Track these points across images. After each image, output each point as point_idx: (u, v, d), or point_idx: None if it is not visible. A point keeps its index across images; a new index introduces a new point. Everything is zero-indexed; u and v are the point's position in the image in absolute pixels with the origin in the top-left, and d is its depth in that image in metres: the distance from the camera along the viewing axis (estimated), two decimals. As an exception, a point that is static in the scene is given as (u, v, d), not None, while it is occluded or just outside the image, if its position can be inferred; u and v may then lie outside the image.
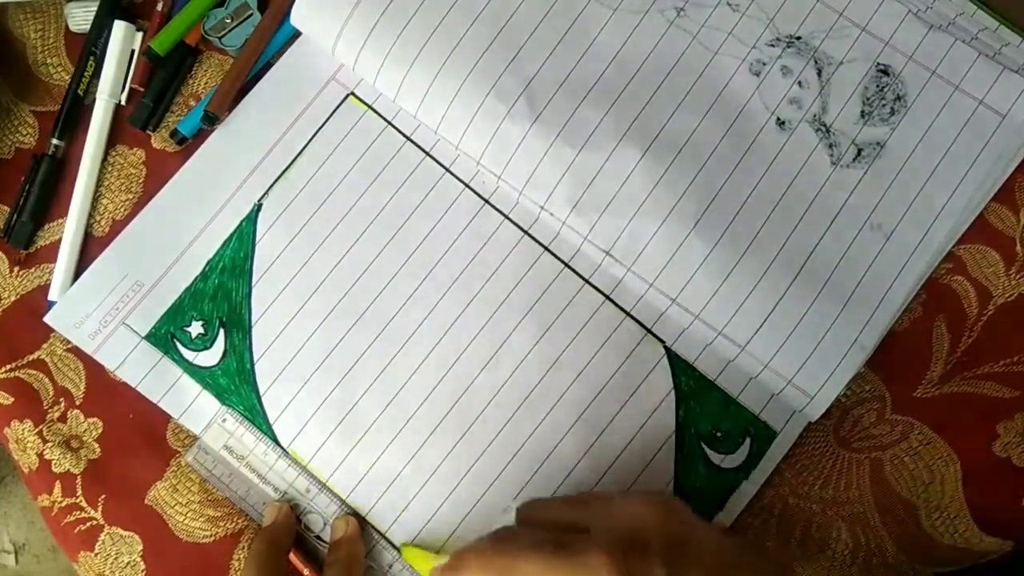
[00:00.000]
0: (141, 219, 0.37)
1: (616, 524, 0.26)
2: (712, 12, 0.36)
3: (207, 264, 0.36)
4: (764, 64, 0.35)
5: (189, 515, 0.36)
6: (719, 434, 0.36)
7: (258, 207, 0.37)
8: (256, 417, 0.36)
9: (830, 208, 0.35)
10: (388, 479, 0.36)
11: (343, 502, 0.36)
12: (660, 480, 0.35)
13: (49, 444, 0.37)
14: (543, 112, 0.35)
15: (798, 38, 0.35)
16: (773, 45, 0.36)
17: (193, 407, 0.36)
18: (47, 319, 0.36)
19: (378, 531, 0.36)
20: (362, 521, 0.36)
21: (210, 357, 0.36)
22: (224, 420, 0.36)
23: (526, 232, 0.37)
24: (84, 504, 0.36)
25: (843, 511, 0.36)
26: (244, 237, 0.37)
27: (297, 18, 0.36)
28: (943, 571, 0.35)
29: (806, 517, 0.36)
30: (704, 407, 0.36)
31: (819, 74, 0.35)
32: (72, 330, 0.36)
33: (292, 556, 0.35)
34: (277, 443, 0.36)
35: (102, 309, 0.36)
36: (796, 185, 0.35)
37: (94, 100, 0.37)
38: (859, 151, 0.35)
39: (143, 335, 0.36)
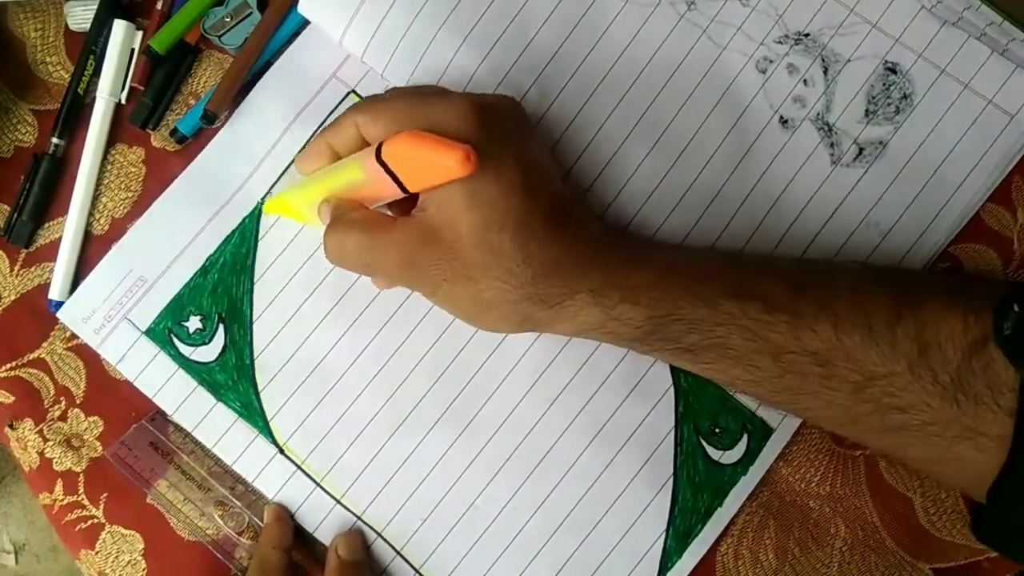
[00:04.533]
0: (147, 217, 0.37)
1: (475, 95, 0.30)
2: (722, 6, 0.36)
3: (207, 260, 0.37)
4: (771, 62, 0.36)
5: (190, 514, 0.36)
6: (717, 430, 0.36)
7: (261, 205, 0.37)
8: (252, 414, 0.36)
9: (826, 207, 0.35)
10: (385, 477, 0.36)
11: (338, 501, 0.36)
12: (660, 475, 0.35)
13: (50, 443, 0.37)
14: (553, 104, 0.35)
15: (806, 35, 0.35)
16: (781, 42, 0.36)
17: (187, 403, 0.36)
18: (59, 314, 0.36)
19: (375, 530, 0.36)
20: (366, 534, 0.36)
21: (208, 352, 0.36)
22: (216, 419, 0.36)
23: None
24: (86, 502, 0.37)
25: (840, 507, 0.36)
26: (246, 234, 0.37)
27: (305, 7, 0.36)
28: (941, 567, 0.36)
29: (803, 513, 0.36)
30: (702, 403, 0.36)
31: (825, 72, 0.35)
32: (80, 325, 0.36)
33: (295, 555, 0.35)
34: (273, 441, 0.36)
35: (108, 304, 0.36)
36: (794, 184, 0.35)
37: (94, 99, 0.37)
38: (860, 150, 0.35)
39: (143, 330, 0.36)
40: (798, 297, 0.30)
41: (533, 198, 0.29)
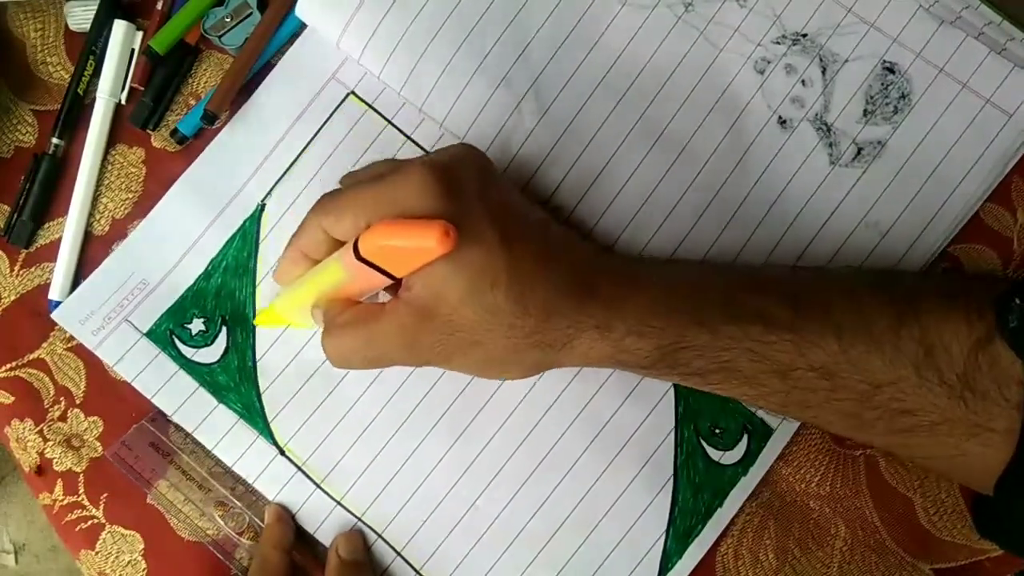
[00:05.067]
0: (148, 220, 0.37)
1: (429, 157, 0.29)
2: (720, 7, 0.36)
3: (210, 263, 0.37)
4: (768, 62, 0.36)
5: (191, 514, 0.36)
6: (717, 430, 0.36)
7: (261, 207, 0.37)
8: (253, 416, 0.36)
9: (825, 207, 0.35)
10: (386, 478, 0.36)
11: (338, 502, 0.36)
12: (660, 476, 0.35)
13: (50, 443, 0.37)
14: (551, 107, 0.35)
15: (804, 35, 0.36)
16: (779, 43, 0.36)
17: (187, 404, 0.36)
18: (54, 316, 0.36)
19: (375, 531, 0.36)
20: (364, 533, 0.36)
21: (210, 354, 0.36)
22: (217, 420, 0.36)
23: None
24: (86, 502, 0.37)
25: (840, 507, 0.36)
26: (248, 236, 0.37)
27: (303, 9, 0.36)
28: (941, 567, 0.36)
29: (804, 514, 0.36)
30: (702, 404, 0.36)
31: (823, 72, 0.36)
32: (77, 326, 0.36)
33: (295, 555, 0.35)
34: (274, 442, 0.36)
35: (107, 306, 0.36)
36: (793, 184, 0.35)
37: (94, 99, 0.37)
38: (859, 150, 0.35)
39: (144, 332, 0.36)
40: (798, 312, 0.30)
41: (516, 247, 0.28)
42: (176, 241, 0.37)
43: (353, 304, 0.30)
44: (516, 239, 0.28)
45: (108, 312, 0.36)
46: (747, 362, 0.30)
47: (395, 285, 0.29)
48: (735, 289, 0.31)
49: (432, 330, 0.28)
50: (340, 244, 0.29)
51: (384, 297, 0.33)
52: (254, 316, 0.36)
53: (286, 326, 0.36)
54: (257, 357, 0.36)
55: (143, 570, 0.36)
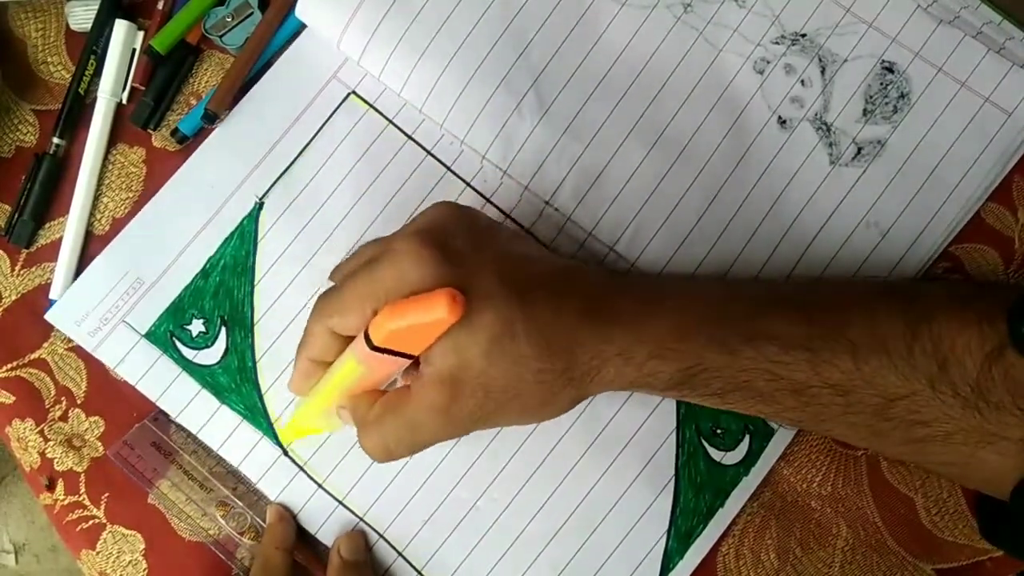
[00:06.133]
0: (142, 217, 0.37)
1: (412, 227, 0.29)
2: (719, 8, 0.36)
3: (207, 262, 0.36)
4: (768, 62, 0.36)
5: (192, 514, 0.36)
6: (719, 431, 0.36)
7: (259, 205, 0.37)
8: (256, 416, 0.36)
9: (826, 207, 0.35)
10: (387, 479, 0.36)
11: (340, 502, 0.36)
12: (661, 476, 0.35)
13: (51, 443, 0.37)
14: (551, 108, 0.35)
15: (803, 35, 0.36)
16: (778, 43, 0.36)
17: (191, 406, 0.36)
18: (48, 316, 0.36)
19: (377, 531, 0.36)
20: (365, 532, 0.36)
21: (211, 355, 0.36)
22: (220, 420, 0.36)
23: (527, 231, 0.37)
24: (87, 502, 0.37)
25: (842, 507, 0.36)
26: (245, 235, 0.37)
27: (302, 10, 0.36)
28: (943, 567, 0.36)
29: (805, 514, 0.36)
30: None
31: (822, 72, 0.36)
32: (73, 328, 0.36)
33: (297, 555, 0.35)
34: (277, 442, 0.36)
35: (102, 307, 0.36)
36: (793, 184, 0.35)
37: (95, 99, 0.37)
38: (859, 150, 0.35)
39: (143, 333, 0.36)
40: (811, 329, 0.30)
41: (526, 293, 0.28)
42: (171, 238, 0.37)
43: (378, 395, 0.30)
44: (523, 285, 0.28)
45: (104, 313, 0.36)
46: (764, 382, 0.30)
47: (415, 364, 0.29)
48: (750, 308, 0.31)
49: (465, 398, 0.28)
50: (349, 341, 0.29)
51: (401, 379, 0.33)
52: (253, 317, 0.36)
53: (316, 434, 0.35)
54: (257, 358, 0.36)
55: (144, 570, 0.36)
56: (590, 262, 0.36)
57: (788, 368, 0.30)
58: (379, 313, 0.26)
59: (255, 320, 0.36)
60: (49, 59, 0.38)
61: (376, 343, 0.26)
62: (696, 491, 0.35)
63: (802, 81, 0.36)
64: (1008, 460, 0.29)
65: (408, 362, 0.28)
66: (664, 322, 0.30)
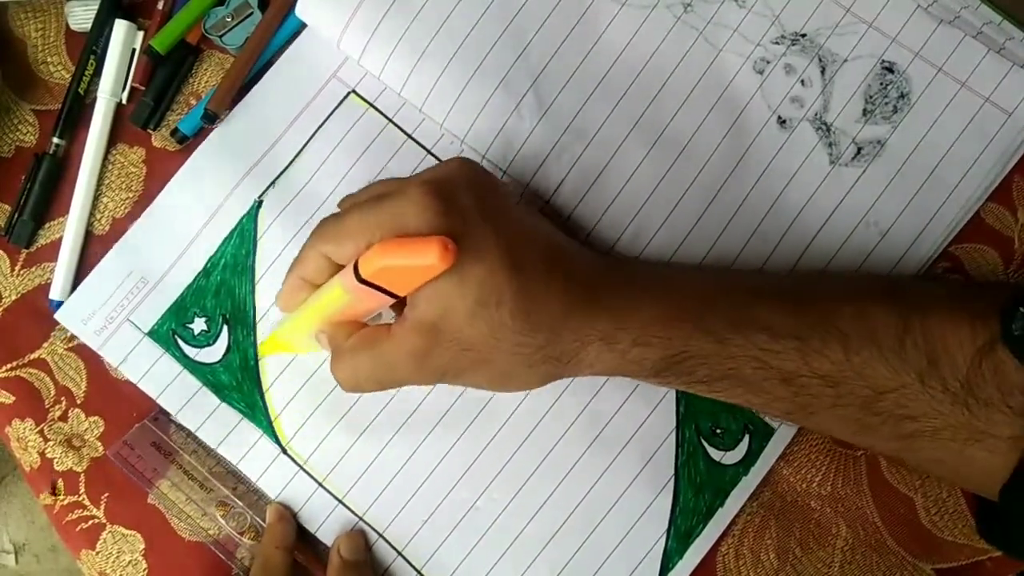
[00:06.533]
0: (146, 217, 0.37)
1: (425, 175, 0.29)
2: (718, 8, 0.36)
3: (208, 261, 0.37)
4: (768, 62, 0.36)
5: (192, 514, 0.36)
6: (719, 431, 0.36)
7: (258, 204, 0.37)
8: (257, 414, 0.36)
9: (825, 207, 0.35)
10: (387, 478, 0.36)
11: (340, 501, 0.36)
12: (661, 476, 0.35)
13: (51, 443, 0.37)
14: (550, 107, 0.35)
15: (803, 35, 0.36)
16: (778, 43, 0.36)
17: (190, 404, 0.36)
18: (57, 316, 0.36)
19: (376, 531, 0.36)
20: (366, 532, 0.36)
21: (212, 353, 0.36)
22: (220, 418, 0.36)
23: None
24: (87, 502, 0.37)
25: (842, 507, 0.36)
26: (245, 234, 0.37)
27: (302, 10, 0.36)
28: (943, 567, 0.36)
29: (805, 514, 0.36)
30: (703, 404, 0.36)
31: (822, 72, 0.36)
32: (80, 327, 0.36)
33: (297, 554, 0.35)
34: (277, 441, 0.36)
35: (108, 306, 0.36)
36: (793, 184, 0.35)
37: (95, 99, 0.37)
38: (859, 150, 0.35)
39: (146, 332, 0.36)
40: (803, 320, 0.30)
41: (520, 262, 0.28)
42: (174, 238, 0.37)
43: (359, 327, 0.30)
44: (519, 254, 0.28)
45: (109, 312, 0.36)
46: (752, 370, 0.30)
47: (400, 304, 0.29)
48: (741, 297, 0.31)
49: (441, 348, 0.28)
50: (341, 268, 0.29)
51: (388, 316, 0.33)
52: (255, 315, 0.36)
53: (293, 353, 0.36)
54: (259, 355, 0.36)
55: (144, 570, 0.36)
56: (594, 247, 0.35)
57: (777, 357, 0.29)
58: (372, 248, 0.26)
59: (257, 318, 0.36)
60: (49, 59, 0.38)
61: (364, 276, 0.26)
62: (696, 491, 0.35)
63: (802, 81, 0.36)
64: (997, 458, 0.29)
65: (391, 302, 0.28)
66: (652, 310, 0.30)
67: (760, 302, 0.31)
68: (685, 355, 0.30)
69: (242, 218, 0.37)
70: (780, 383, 0.30)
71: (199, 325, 0.36)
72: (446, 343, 0.28)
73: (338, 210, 0.32)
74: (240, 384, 0.36)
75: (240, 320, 0.36)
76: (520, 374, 0.30)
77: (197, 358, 0.36)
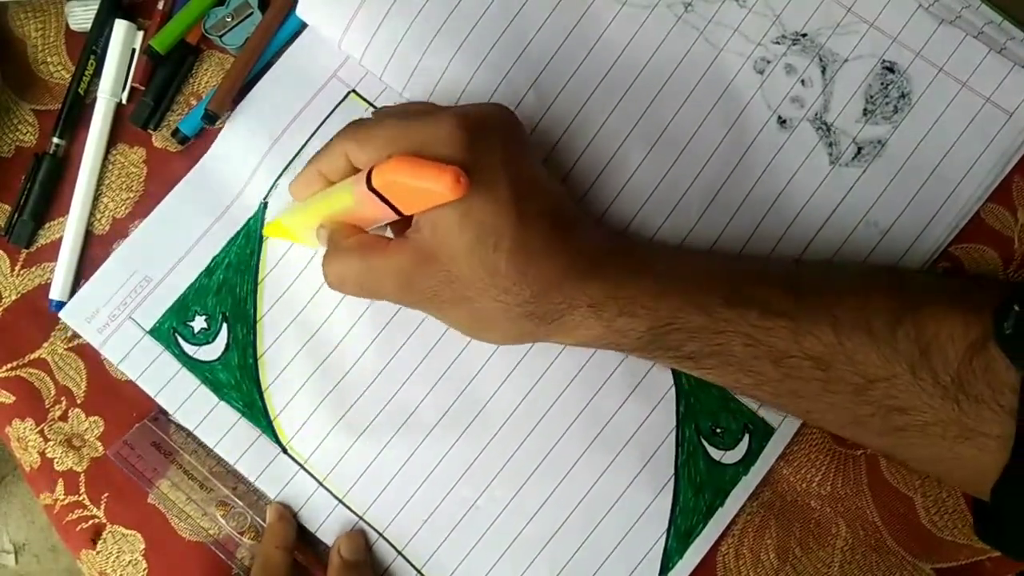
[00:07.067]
0: (152, 218, 0.37)
1: (461, 108, 0.29)
2: (719, 8, 0.36)
3: (212, 260, 0.37)
4: (768, 62, 0.36)
5: (192, 513, 0.36)
6: (718, 430, 0.36)
7: (263, 206, 0.37)
8: (255, 414, 0.36)
9: (825, 207, 0.35)
10: (387, 477, 0.36)
11: (340, 501, 0.36)
12: (661, 475, 0.35)
13: (51, 443, 0.37)
14: (551, 106, 0.35)
15: (804, 35, 0.36)
16: (778, 42, 0.36)
17: (189, 402, 0.36)
18: (61, 314, 0.36)
19: (377, 531, 0.36)
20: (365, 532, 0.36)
21: (211, 351, 0.36)
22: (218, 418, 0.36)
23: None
24: (87, 502, 0.37)
25: (841, 507, 0.36)
26: (251, 235, 0.37)
27: (304, 10, 0.36)
28: (942, 567, 0.36)
29: (804, 513, 0.36)
30: (703, 404, 0.36)
31: (823, 72, 0.36)
32: (83, 324, 0.36)
33: (297, 554, 0.35)
34: (276, 440, 0.36)
35: (112, 304, 0.36)
36: (793, 184, 0.35)
37: (95, 99, 0.37)
38: (859, 150, 0.35)
39: (147, 330, 0.36)
40: (798, 301, 0.30)
41: (528, 214, 0.28)
42: (179, 239, 0.37)
43: (357, 231, 0.31)
44: (528, 207, 0.29)
45: (112, 310, 0.36)
46: (741, 347, 0.30)
47: (402, 224, 0.30)
48: (738, 277, 0.31)
49: (429, 275, 0.29)
50: (357, 172, 0.29)
51: (389, 233, 0.33)
52: (256, 313, 0.36)
53: (291, 241, 0.36)
54: (259, 354, 0.36)
55: (144, 570, 0.36)
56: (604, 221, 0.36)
57: (768, 333, 0.29)
58: (389, 159, 0.27)
59: (258, 317, 0.36)
60: (49, 59, 0.38)
61: (374, 185, 0.27)
62: (695, 490, 0.35)
63: (802, 81, 0.36)
64: (986, 457, 0.29)
65: (394, 217, 0.29)
66: (643, 282, 0.30)
67: (759, 284, 0.31)
68: (672, 327, 0.30)
69: (249, 220, 0.37)
70: (770, 363, 0.30)
71: (199, 323, 0.36)
72: (436, 271, 0.29)
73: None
74: (239, 383, 0.36)
75: (241, 318, 0.36)
76: (499, 323, 0.30)
77: (196, 356, 0.36)
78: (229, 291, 0.36)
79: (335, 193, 0.30)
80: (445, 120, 0.27)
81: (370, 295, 0.32)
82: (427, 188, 0.26)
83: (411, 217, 0.29)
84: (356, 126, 0.30)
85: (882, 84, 0.35)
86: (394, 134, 0.28)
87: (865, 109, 0.35)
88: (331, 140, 0.30)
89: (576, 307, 0.29)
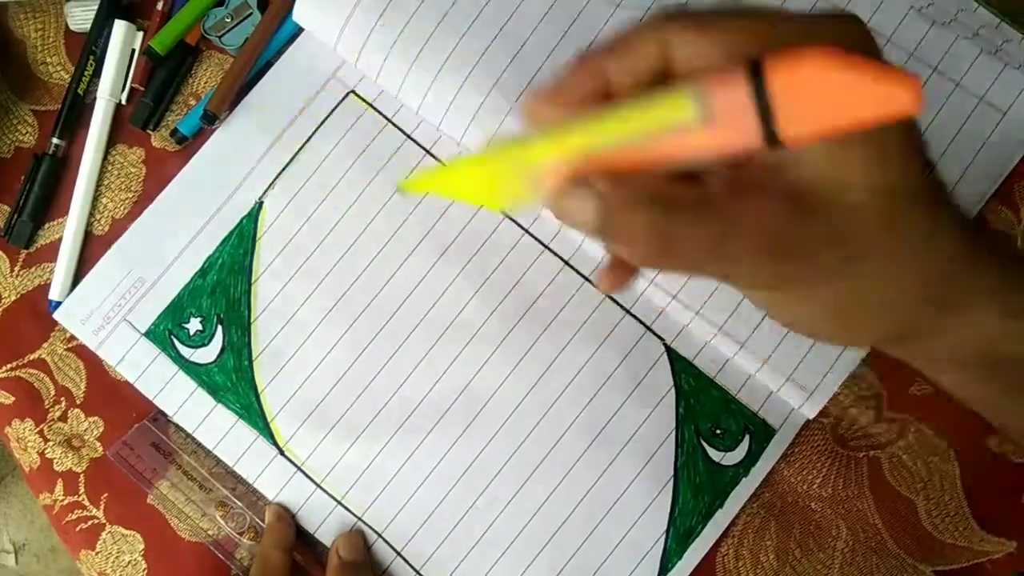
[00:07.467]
0: (145, 217, 0.37)
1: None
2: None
3: (206, 261, 0.37)
4: (763, 62, 0.36)
5: (191, 514, 0.36)
6: (719, 431, 0.36)
7: (259, 205, 0.37)
8: (252, 416, 0.36)
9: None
10: (385, 479, 0.36)
11: (339, 502, 0.36)
12: (661, 476, 0.35)
13: (50, 443, 0.37)
14: None
15: (797, 36, 0.36)
16: (772, 43, 0.36)
17: (187, 405, 0.36)
18: (56, 315, 0.36)
19: (375, 531, 0.36)
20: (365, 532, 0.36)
21: (207, 354, 0.36)
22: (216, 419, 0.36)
23: (526, 231, 0.37)
24: (86, 503, 0.37)
25: (842, 509, 0.36)
26: (244, 234, 0.37)
27: (299, 14, 0.36)
28: (943, 569, 0.36)
29: (805, 515, 0.36)
30: (704, 405, 0.36)
31: (817, 72, 0.35)
32: (78, 326, 0.36)
33: (296, 555, 0.35)
34: (274, 442, 0.36)
35: (106, 305, 0.36)
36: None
37: (94, 99, 0.37)
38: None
39: (143, 332, 0.36)
40: None
41: (921, 164, 0.20)
42: (172, 239, 0.37)
43: (643, 179, 0.20)
44: (921, 157, 0.20)
45: (107, 311, 0.36)
46: None
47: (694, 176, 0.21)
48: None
49: (810, 234, 0.20)
50: (656, 79, 0.20)
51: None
52: (250, 315, 0.36)
53: (451, 199, 0.27)
54: (253, 356, 0.36)
55: (143, 570, 0.36)
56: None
57: None
58: (810, 51, 0.17)
59: (252, 318, 0.36)
60: (48, 59, 0.38)
61: (771, 83, 0.17)
62: (695, 491, 0.35)
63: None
64: None
65: (750, 146, 0.18)
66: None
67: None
68: None
69: (242, 219, 0.37)
70: None
71: (194, 325, 0.36)
72: (818, 229, 0.19)
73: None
74: (235, 385, 0.36)
75: (235, 320, 0.36)
76: (873, 310, 0.21)
77: (192, 359, 0.36)
78: (223, 292, 0.36)
79: (653, 106, 0.18)
80: (849, 20, 0.19)
81: (714, 263, 0.20)
82: (873, 96, 0.17)
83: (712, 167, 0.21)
84: (683, 13, 0.19)
85: (878, 84, 0.35)
86: (769, 25, 0.18)
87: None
88: (637, 27, 0.20)
89: (976, 294, 0.21)
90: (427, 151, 0.37)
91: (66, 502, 0.37)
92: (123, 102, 0.38)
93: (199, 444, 0.36)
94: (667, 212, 0.19)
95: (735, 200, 0.20)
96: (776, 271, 0.21)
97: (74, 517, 0.37)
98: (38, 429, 0.37)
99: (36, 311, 0.37)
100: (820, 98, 0.17)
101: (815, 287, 0.21)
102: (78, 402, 0.37)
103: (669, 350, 0.36)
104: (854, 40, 0.19)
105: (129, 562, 0.36)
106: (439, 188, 0.23)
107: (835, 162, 0.19)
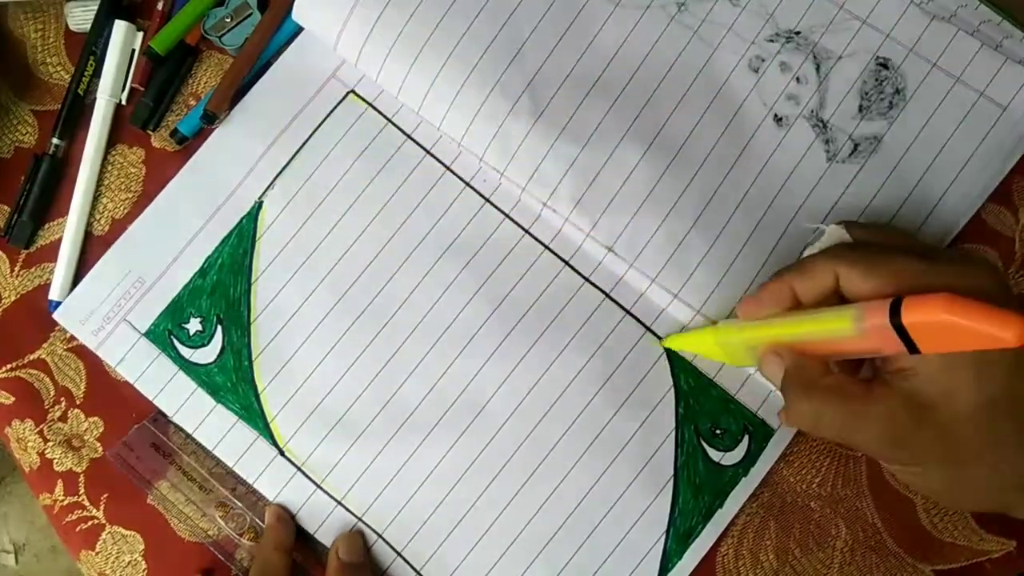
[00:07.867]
0: (145, 216, 0.37)
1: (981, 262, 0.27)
2: (713, 7, 0.36)
3: (206, 261, 0.37)
4: (763, 60, 0.36)
5: (191, 514, 0.36)
6: (718, 431, 0.36)
7: (259, 204, 0.37)
8: (252, 416, 0.36)
9: (823, 204, 0.35)
10: (386, 478, 0.36)
11: (339, 502, 0.36)
12: (660, 476, 0.35)
13: (50, 443, 0.37)
14: (546, 109, 0.35)
15: (797, 33, 0.36)
16: (772, 40, 0.36)
17: (187, 405, 0.36)
18: (56, 315, 0.36)
19: (376, 531, 0.36)
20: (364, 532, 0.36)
21: (207, 354, 0.36)
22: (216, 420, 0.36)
23: (526, 231, 0.37)
24: (86, 503, 0.37)
25: (841, 508, 0.36)
26: (244, 234, 0.37)
27: (299, 13, 0.36)
28: (942, 568, 0.36)
29: (804, 514, 0.36)
30: (703, 405, 0.36)
31: (817, 69, 0.36)
32: (78, 327, 0.36)
33: (296, 555, 0.35)
34: (274, 442, 0.36)
35: (106, 306, 0.36)
36: (791, 182, 0.35)
37: (94, 99, 0.37)
38: (856, 146, 0.35)
39: (142, 332, 0.36)
40: None
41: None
42: (172, 238, 0.37)
43: (823, 365, 0.28)
44: None
45: (107, 312, 0.36)
46: None
47: (853, 364, 0.29)
48: None
49: (923, 432, 0.26)
50: (833, 300, 0.28)
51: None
52: (249, 316, 0.36)
53: (706, 355, 0.35)
54: (253, 357, 0.36)
55: (143, 570, 0.36)
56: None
57: None
58: (937, 295, 0.23)
59: (251, 319, 0.36)
60: (48, 59, 0.38)
61: (906, 319, 0.24)
62: (695, 491, 0.35)
63: (797, 78, 0.36)
64: None
65: (895, 352, 0.25)
66: None
67: None
68: None
69: (242, 219, 0.37)
70: None
71: (194, 325, 0.36)
72: (931, 429, 0.26)
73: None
74: (235, 386, 0.36)
75: (234, 320, 0.36)
76: (978, 493, 0.28)
77: (192, 359, 0.36)
78: (223, 293, 0.36)
79: (825, 318, 0.27)
80: (985, 268, 0.26)
81: (847, 441, 0.28)
82: (985, 333, 0.23)
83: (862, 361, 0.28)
84: (854, 250, 0.27)
85: (876, 80, 0.35)
86: (917, 268, 0.25)
87: (860, 105, 0.35)
88: (813, 258, 0.28)
89: None
90: (427, 151, 0.37)
91: (66, 502, 0.37)
92: (123, 102, 0.38)
93: (199, 445, 0.36)
94: (818, 399, 0.27)
95: (869, 393, 0.27)
96: (894, 455, 0.28)
97: (74, 517, 0.37)
98: (38, 429, 0.37)
99: (36, 311, 0.37)
100: (942, 330, 0.24)
101: (933, 470, 0.27)
102: (78, 402, 0.37)
103: (668, 350, 0.36)
104: (985, 285, 0.25)
105: (129, 562, 0.36)
106: (694, 349, 0.35)
107: (948, 372, 0.25)
